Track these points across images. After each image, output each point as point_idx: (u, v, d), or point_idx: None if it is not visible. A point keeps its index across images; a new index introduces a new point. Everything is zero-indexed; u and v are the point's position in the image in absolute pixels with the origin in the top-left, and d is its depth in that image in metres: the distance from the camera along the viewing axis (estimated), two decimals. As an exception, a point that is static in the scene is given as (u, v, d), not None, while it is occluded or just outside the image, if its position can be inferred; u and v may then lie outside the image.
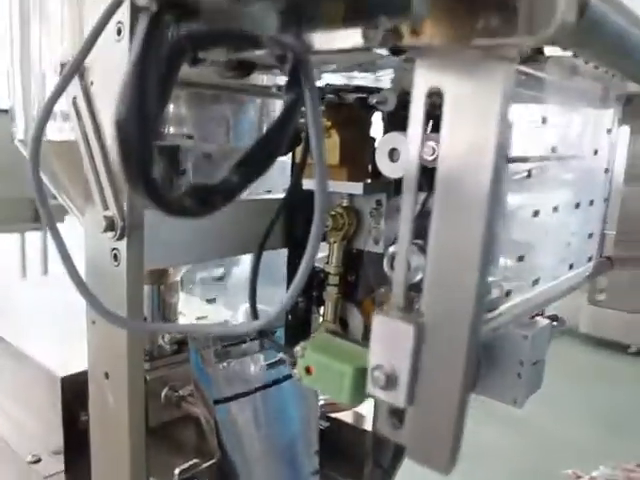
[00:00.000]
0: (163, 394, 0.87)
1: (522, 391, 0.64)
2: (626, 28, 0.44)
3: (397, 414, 0.44)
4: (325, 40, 0.37)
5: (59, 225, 0.87)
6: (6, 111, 0.86)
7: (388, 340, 0.38)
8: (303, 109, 0.38)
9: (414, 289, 0.47)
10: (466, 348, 0.37)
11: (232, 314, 1.01)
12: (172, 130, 0.72)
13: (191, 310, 0.98)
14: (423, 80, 0.38)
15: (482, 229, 0.39)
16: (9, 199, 2.32)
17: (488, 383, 0.65)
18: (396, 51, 0.38)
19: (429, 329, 0.38)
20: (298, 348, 0.44)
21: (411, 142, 0.43)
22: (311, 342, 0.44)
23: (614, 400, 3.06)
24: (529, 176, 0.55)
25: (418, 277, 0.49)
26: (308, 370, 0.43)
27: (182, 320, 0.95)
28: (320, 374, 0.42)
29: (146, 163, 0.28)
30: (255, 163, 0.35)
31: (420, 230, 0.45)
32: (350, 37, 0.36)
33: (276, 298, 0.83)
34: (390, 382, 0.38)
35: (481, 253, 0.39)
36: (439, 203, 0.40)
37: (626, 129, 0.73)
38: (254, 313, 0.60)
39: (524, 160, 0.55)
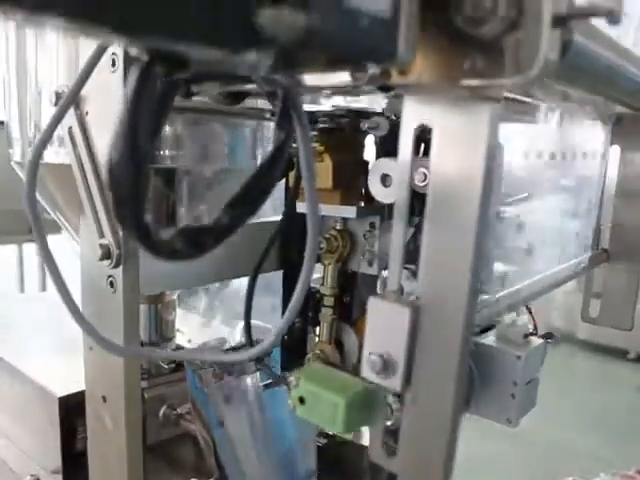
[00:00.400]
0: (161, 412, 0.87)
1: (516, 411, 0.64)
2: (611, 59, 0.45)
3: (391, 434, 0.44)
4: (314, 78, 0.38)
5: (57, 237, 0.88)
6: (2, 123, 0.87)
7: (384, 323, 0.38)
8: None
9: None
10: (461, 331, 0.37)
11: (230, 330, 1.02)
12: (167, 152, 0.73)
13: (189, 327, 0.99)
14: (411, 116, 0.39)
15: (471, 254, 0.39)
16: (5, 211, 2.32)
17: (481, 403, 0.65)
18: (385, 88, 0.38)
19: (425, 312, 0.38)
20: (292, 378, 0.44)
21: (401, 173, 0.43)
22: (304, 372, 0.45)
23: (613, 406, 3.06)
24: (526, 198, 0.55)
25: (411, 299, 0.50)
26: (302, 400, 0.43)
27: (179, 338, 0.95)
28: (313, 405, 0.43)
29: (138, 208, 0.29)
30: (247, 203, 0.35)
31: (413, 255, 0.46)
32: (339, 77, 0.37)
33: (274, 315, 0.84)
34: (386, 366, 0.38)
35: (472, 268, 0.40)
36: (429, 231, 0.41)
37: (616, 148, 0.74)
38: (249, 339, 0.61)
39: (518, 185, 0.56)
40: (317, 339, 0.70)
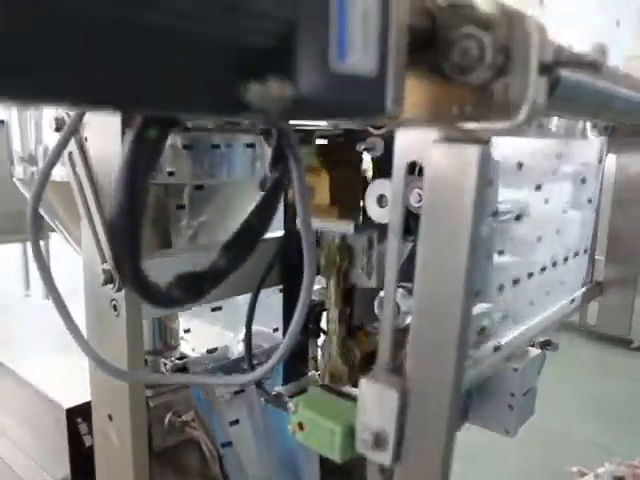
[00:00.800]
0: (167, 420, 0.89)
1: (514, 422, 0.65)
2: (600, 86, 0.46)
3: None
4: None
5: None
6: (2, 122, 0.88)
7: (375, 403, 0.40)
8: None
9: (405, 330, 0.49)
10: (448, 406, 0.39)
11: (234, 335, 1.03)
12: (168, 168, 0.74)
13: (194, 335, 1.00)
14: (403, 153, 0.40)
15: (462, 291, 0.41)
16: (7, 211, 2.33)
17: (480, 413, 0.66)
18: (377, 126, 0.39)
19: (413, 391, 0.40)
20: (291, 404, 0.45)
21: (395, 197, 0.44)
22: (304, 398, 0.46)
23: (617, 395, 3.07)
24: (518, 218, 0.56)
25: (408, 320, 0.50)
26: (301, 426, 0.44)
27: (184, 345, 0.97)
28: (312, 431, 0.44)
29: (136, 264, 0.30)
30: (242, 245, 0.36)
31: (411, 274, 0.47)
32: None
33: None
34: (378, 442, 0.39)
35: (463, 306, 0.41)
36: (423, 253, 0.42)
37: (612, 157, 0.74)
38: (250, 362, 0.62)
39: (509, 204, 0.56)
40: (322, 356, 0.70)
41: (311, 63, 0.25)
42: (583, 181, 0.63)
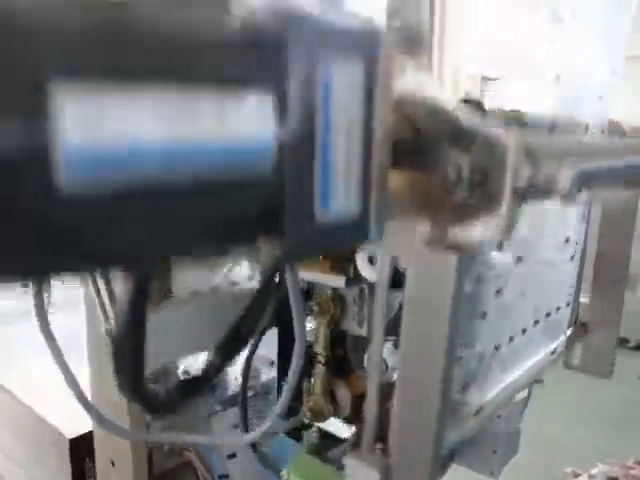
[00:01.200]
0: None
1: (498, 464, 0.68)
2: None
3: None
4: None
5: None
6: None
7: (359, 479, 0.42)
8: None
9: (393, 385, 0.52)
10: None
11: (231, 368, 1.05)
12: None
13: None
14: (387, 249, 0.42)
15: (442, 368, 0.43)
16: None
17: (465, 456, 0.69)
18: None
19: (396, 467, 0.43)
20: (283, 472, 0.48)
21: (380, 284, 0.47)
22: (294, 466, 0.49)
23: (612, 395, 3.11)
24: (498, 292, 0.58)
25: (395, 377, 0.53)
26: (291, 495, 0.47)
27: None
28: (301, 499, 0.47)
29: (139, 379, 0.32)
30: (235, 344, 0.39)
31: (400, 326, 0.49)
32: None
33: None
34: None
35: (442, 379, 0.44)
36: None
37: (597, 200, 0.76)
38: (245, 425, 0.64)
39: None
40: (305, 395, 0.73)
41: (298, 220, 0.28)
42: (567, 240, 0.66)
